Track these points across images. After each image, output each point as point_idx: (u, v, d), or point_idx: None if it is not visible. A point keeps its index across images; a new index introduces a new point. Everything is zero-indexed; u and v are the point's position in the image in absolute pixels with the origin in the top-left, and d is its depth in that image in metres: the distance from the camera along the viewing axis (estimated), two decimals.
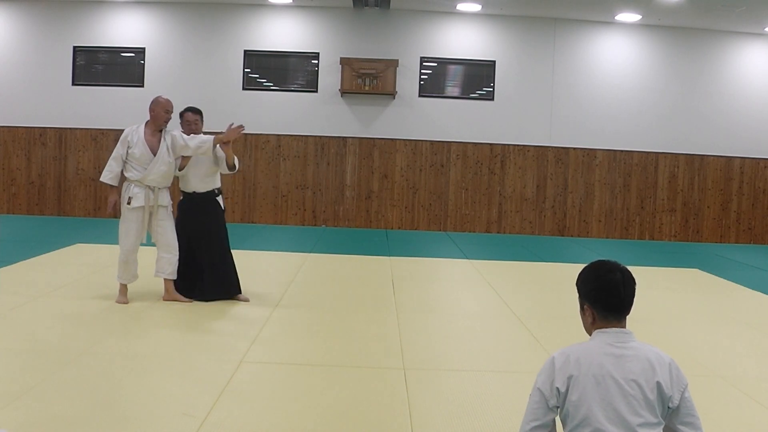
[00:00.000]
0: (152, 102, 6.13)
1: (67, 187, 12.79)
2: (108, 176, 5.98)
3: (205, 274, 6.18)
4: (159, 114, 6.07)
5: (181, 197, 6.43)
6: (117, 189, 6.04)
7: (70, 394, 3.77)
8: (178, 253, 6.14)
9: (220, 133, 6.21)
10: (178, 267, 6.13)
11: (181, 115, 6.39)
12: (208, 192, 6.35)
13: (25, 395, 3.70)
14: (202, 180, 6.31)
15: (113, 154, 6.01)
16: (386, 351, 4.90)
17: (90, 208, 12.81)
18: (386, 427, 3.55)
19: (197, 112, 6.43)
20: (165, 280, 6.12)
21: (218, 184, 6.46)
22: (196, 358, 4.58)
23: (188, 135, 6.21)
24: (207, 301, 6.13)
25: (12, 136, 12.73)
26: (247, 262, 8.35)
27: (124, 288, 6.08)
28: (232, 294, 6.28)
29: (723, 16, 11.84)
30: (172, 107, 6.16)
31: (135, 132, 6.05)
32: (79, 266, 7.59)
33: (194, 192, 6.32)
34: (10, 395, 3.68)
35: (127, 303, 5.98)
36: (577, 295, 2.55)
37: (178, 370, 4.28)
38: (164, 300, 6.10)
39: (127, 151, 5.98)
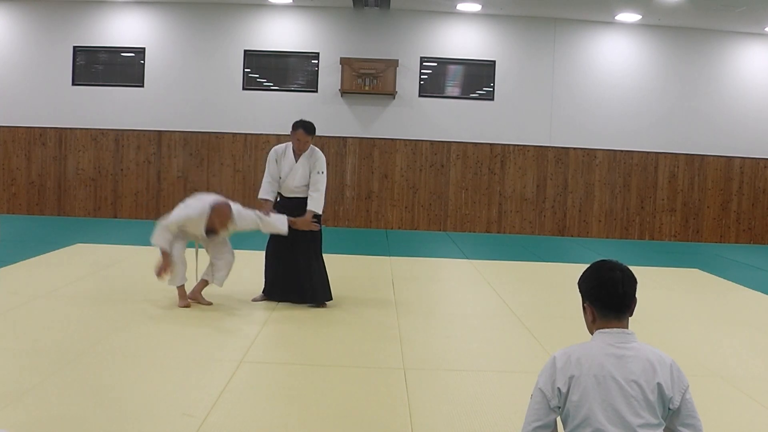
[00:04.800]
0: (216, 209, 5.89)
1: (67, 187, 12.79)
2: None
3: (289, 277, 6.22)
4: (213, 222, 5.90)
5: (278, 199, 6.39)
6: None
7: (70, 394, 3.77)
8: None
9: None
10: (275, 268, 6.26)
11: (296, 128, 6.35)
12: (303, 197, 6.32)
13: (25, 395, 3.70)
14: (298, 187, 6.33)
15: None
16: (386, 351, 4.90)
17: (90, 208, 12.81)
18: (386, 427, 3.54)
19: (309, 131, 6.33)
20: (203, 280, 6.17)
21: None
22: (196, 358, 4.58)
23: (297, 149, 6.30)
24: (277, 302, 6.21)
25: (12, 136, 12.73)
26: (248, 263, 8.35)
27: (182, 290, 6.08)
28: (306, 301, 6.19)
29: (723, 16, 11.84)
30: (228, 218, 5.95)
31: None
32: (79, 266, 7.58)
33: (293, 197, 6.33)
34: (10, 395, 3.67)
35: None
36: (578, 295, 2.55)
37: (178, 370, 4.27)
38: (190, 299, 6.07)
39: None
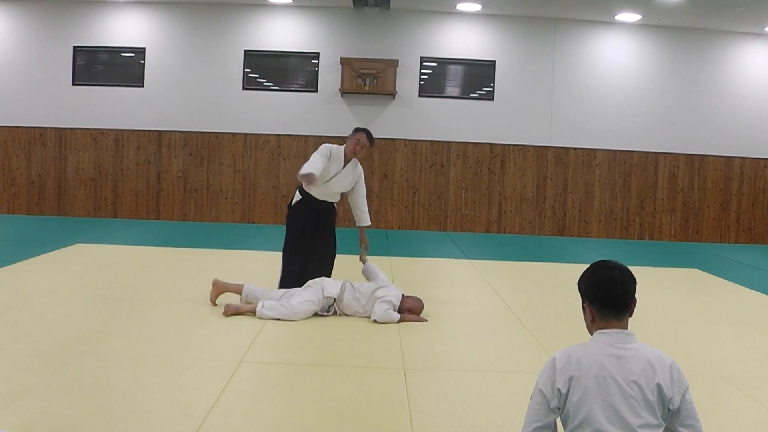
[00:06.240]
0: (414, 306, 5.90)
1: (67, 187, 12.80)
2: None
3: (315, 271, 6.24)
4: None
5: (300, 198, 6.32)
6: None
7: (70, 394, 3.76)
8: None
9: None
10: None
11: (356, 131, 6.32)
12: (332, 202, 6.45)
13: (25, 395, 3.70)
14: (336, 193, 6.42)
15: None
16: (386, 351, 4.90)
17: (90, 208, 12.81)
18: (386, 427, 3.54)
19: (371, 140, 6.35)
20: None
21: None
22: (196, 358, 4.58)
23: (350, 153, 6.25)
24: None
25: (12, 136, 12.73)
26: (247, 262, 8.35)
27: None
28: None
29: (723, 16, 11.84)
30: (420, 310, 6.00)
31: None
32: (79, 266, 7.58)
33: (323, 200, 6.35)
34: (10, 395, 3.67)
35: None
36: (578, 295, 2.55)
37: (178, 370, 4.27)
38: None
39: None
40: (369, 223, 6.58)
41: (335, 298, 5.78)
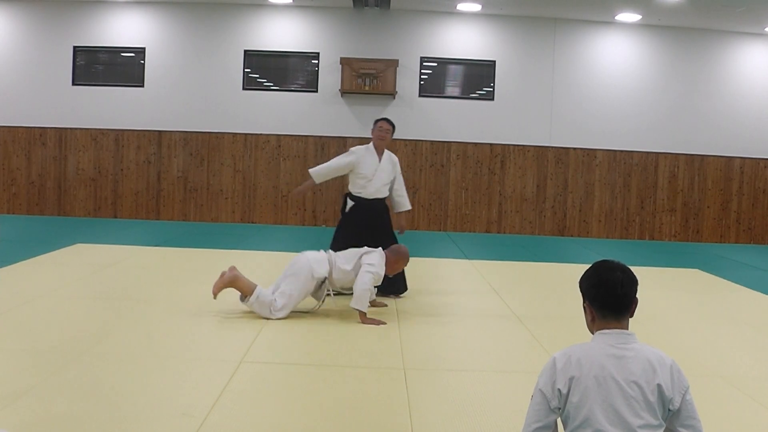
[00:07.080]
0: (398, 253, 5.96)
1: (67, 187, 12.80)
2: None
3: None
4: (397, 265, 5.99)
5: (352, 204, 6.57)
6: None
7: (70, 394, 3.76)
8: None
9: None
10: None
11: (376, 122, 6.68)
12: (383, 198, 6.68)
13: (25, 395, 3.70)
14: (385, 185, 6.66)
15: None
16: (386, 351, 4.90)
17: (90, 208, 12.81)
18: (386, 427, 3.54)
19: (391, 124, 6.67)
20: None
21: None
22: (196, 358, 4.58)
23: (377, 141, 6.57)
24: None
25: (12, 136, 12.73)
26: (247, 262, 8.35)
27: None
28: (390, 293, 6.52)
29: (723, 16, 11.84)
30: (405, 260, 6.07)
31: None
32: (79, 266, 7.58)
33: (374, 198, 6.59)
34: (10, 395, 3.67)
35: None
36: (578, 295, 2.55)
37: (178, 370, 4.27)
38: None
39: None
40: (409, 207, 6.96)
41: (326, 276, 5.72)
